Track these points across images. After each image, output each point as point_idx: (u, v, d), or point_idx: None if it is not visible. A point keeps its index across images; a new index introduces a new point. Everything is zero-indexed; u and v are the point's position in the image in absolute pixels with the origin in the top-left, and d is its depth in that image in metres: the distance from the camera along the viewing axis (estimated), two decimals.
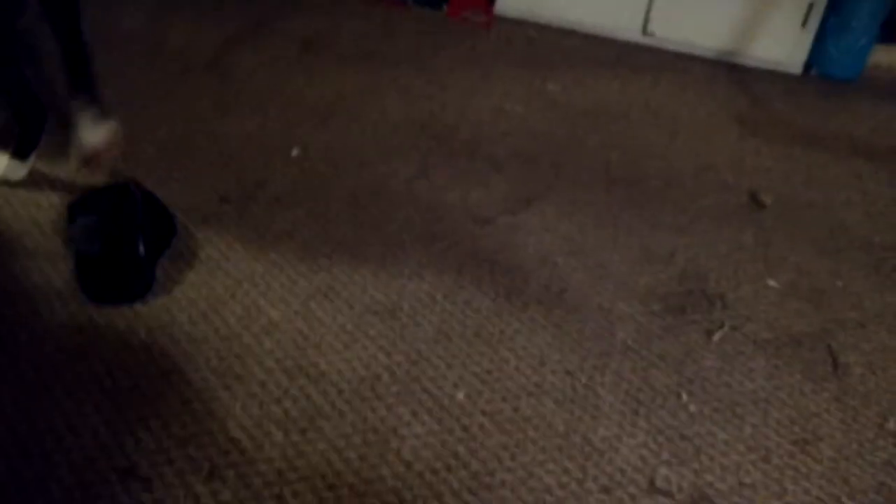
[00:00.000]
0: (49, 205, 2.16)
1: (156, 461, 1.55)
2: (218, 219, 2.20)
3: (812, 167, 2.76)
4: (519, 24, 3.48)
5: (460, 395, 1.77)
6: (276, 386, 1.75)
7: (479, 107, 2.89)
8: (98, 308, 1.87)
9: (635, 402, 1.80)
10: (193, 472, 1.54)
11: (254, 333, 1.87)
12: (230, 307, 1.93)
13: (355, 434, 1.65)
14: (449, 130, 2.73)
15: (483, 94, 2.97)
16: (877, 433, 1.80)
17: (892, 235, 2.47)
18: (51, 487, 1.48)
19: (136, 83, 2.72)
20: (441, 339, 1.90)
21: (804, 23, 3.30)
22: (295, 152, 2.51)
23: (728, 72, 3.35)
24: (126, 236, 1.96)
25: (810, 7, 3.26)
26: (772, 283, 2.22)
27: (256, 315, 1.92)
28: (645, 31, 3.48)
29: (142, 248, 1.94)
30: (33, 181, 2.25)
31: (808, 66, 3.39)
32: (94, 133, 2.18)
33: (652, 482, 1.63)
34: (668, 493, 1.61)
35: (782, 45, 3.38)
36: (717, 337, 2.01)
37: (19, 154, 2.24)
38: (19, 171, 2.25)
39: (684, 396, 1.84)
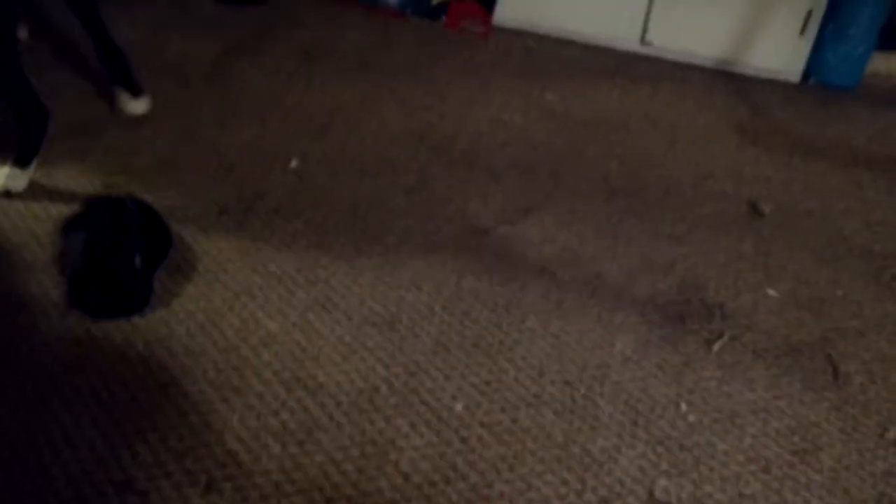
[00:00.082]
0: (47, 216, 2.16)
1: (153, 474, 1.55)
2: (216, 230, 2.20)
3: (811, 176, 2.76)
4: (517, 35, 3.49)
5: (459, 407, 1.76)
6: (274, 398, 1.74)
7: (477, 117, 2.89)
8: (96, 321, 1.87)
9: (634, 413, 1.80)
10: (191, 485, 1.53)
11: (252, 345, 1.86)
12: (228, 319, 1.93)
13: (353, 446, 1.65)
14: (447, 141, 2.73)
15: (481, 105, 2.97)
16: (877, 443, 1.79)
17: (892, 244, 2.47)
18: (48, 500, 1.48)
19: None
20: (440, 351, 1.90)
21: (802, 31, 3.30)
22: (294, 163, 2.51)
23: (727, 81, 3.36)
24: (122, 249, 1.95)
25: (808, 15, 3.26)
26: (771, 292, 2.22)
27: (254, 327, 1.91)
28: (643, 40, 3.49)
29: (138, 261, 1.94)
30: (31, 192, 2.25)
31: (806, 74, 3.40)
32: (132, 106, 2.59)
33: (651, 493, 1.63)
34: None
35: (780, 53, 3.39)
36: (716, 346, 2.01)
37: (20, 161, 2.23)
38: (20, 180, 2.24)
39: (683, 406, 1.83)
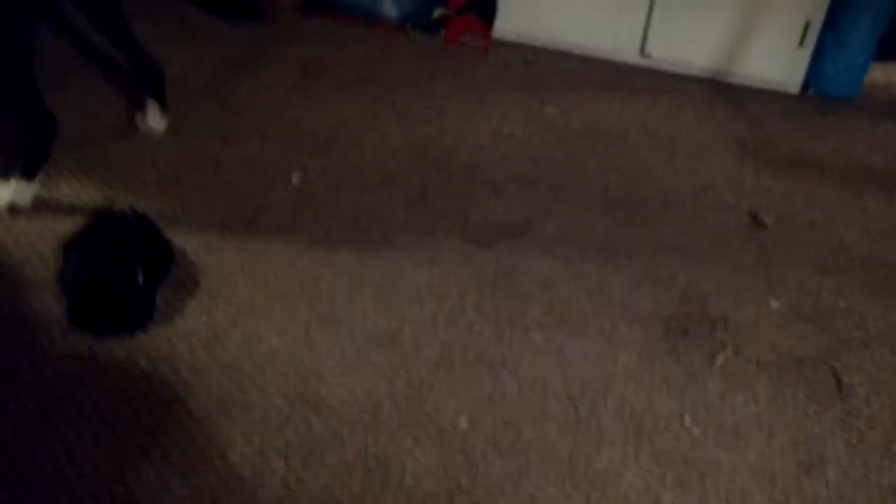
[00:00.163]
0: (49, 233, 2.17)
1: (156, 492, 1.55)
2: (218, 246, 2.20)
3: (812, 186, 2.76)
4: (517, 48, 3.50)
5: (462, 422, 1.76)
6: (278, 414, 1.74)
7: (477, 130, 2.90)
8: (99, 338, 1.87)
9: (638, 427, 1.80)
10: (194, 503, 1.53)
11: (255, 362, 1.86)
12: (231, 335, 1.93)
13: (357, 463, 1.65)
14: (448, 154, 2.74)
15: (481, 118, 2.98)
16: (883, 455, 1.79)
17: (894, 253, 2.47)
18: None
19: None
20: (442, 366, 1.90)
21: (801, 42, 3.31)
22: (295, 178, 2.52)
23: (726, 92, 3.36)
24: (124, 265, 1.95)
25: (806, 26, 3.27)
26: (774, 303, 2.22)
27: (257, 343, 1.91)
28: (643, 52, 3.49)
29: (141, 277, 1.94)
30: (33, 209, 2.25)
31: (805, 85, 3.40)
32: (157, 121, 2.63)
33: None
34: None
35: (779, 64, 3.39)
36: (719, 359, 2.01)
37: (26, 172, 2.24)
38: (26, 194, 2.24)
39: (688, 420, 1.83)
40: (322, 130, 2.79)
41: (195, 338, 1.91)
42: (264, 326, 1.96)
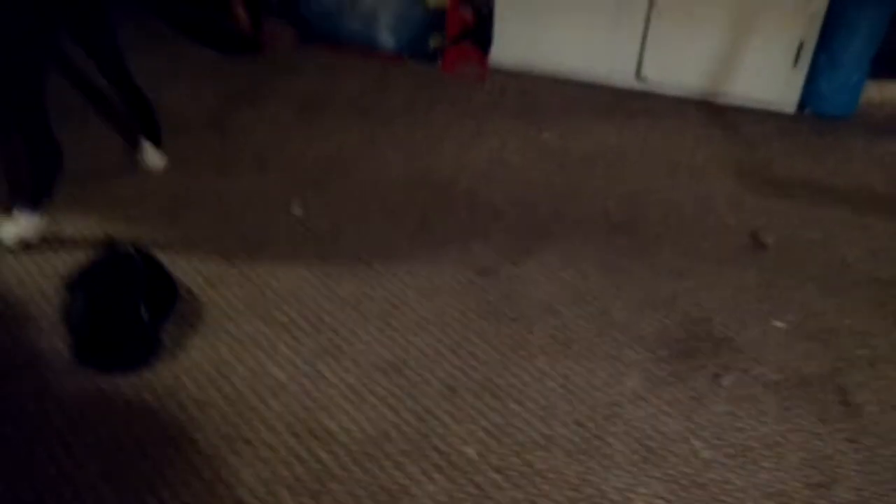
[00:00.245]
0: (53, 271, 2.17)
1: None
2: (222, 280, 2.21)
3: (811, 205, 2.77)
4: (513, 75, 3.53)
5: (470, 451, 1.75)
6: (285, 448, 1.73)
7: (476, 158, 2.91)
8: (104, 375, 1.87)
9: (647, 451, 1.79)
10: None
11: (261, 396, 1.86)
12: (236, 369, 1.92)
13: (365, 495, 1.64)
14: (447, 182, 2.75)
15: (480, 146, 2.99)
16: (894, 474, 1.78)
17: None
18: None
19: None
20: (448, 394, 1.89)
21: (795, 62, 3.34)
22: (296, 210, 2.53)
23: (723, 114, 3.38)
24: (128, 302, 1.96)
25: (800, 47, 3.30)
26: (778, 323, 2.21)
27: (263, 377, 1.91)
28: (638, 76, 3.52)
29: (145, 314, 1.94)
30: (37, 246, 2.26)
31: (801, 105, 3.42)
32: (154, 160, 2.64)
33: None
34: None
35: (775, 85, 3.42)
36: (725, 381, 2.00)
37: (32, 203, 2.25)
38: (32, 227, 2.26)
39: (696, 443, 1.82)
40: (322, 161, 2.80)
41: (200, 372, 1.90)
42: (269, 360, 1.96)
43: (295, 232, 2.44)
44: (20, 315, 2.03)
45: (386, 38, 3.62)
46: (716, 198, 2.78)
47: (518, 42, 3.55)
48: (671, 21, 3.37)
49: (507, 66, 3.59)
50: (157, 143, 2.66)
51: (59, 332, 1.98)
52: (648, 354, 2.07)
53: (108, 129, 2.84)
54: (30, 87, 2.14)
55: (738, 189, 2.84)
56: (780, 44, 3.33)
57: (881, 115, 3.42)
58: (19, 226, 2.25)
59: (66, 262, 2.20)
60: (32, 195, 2.26)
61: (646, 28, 3.41)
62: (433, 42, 3.57)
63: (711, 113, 3.38)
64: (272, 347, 2.00)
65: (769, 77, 3.40)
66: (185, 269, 2.23)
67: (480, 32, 3.51)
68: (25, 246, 2.24)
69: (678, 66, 3.46)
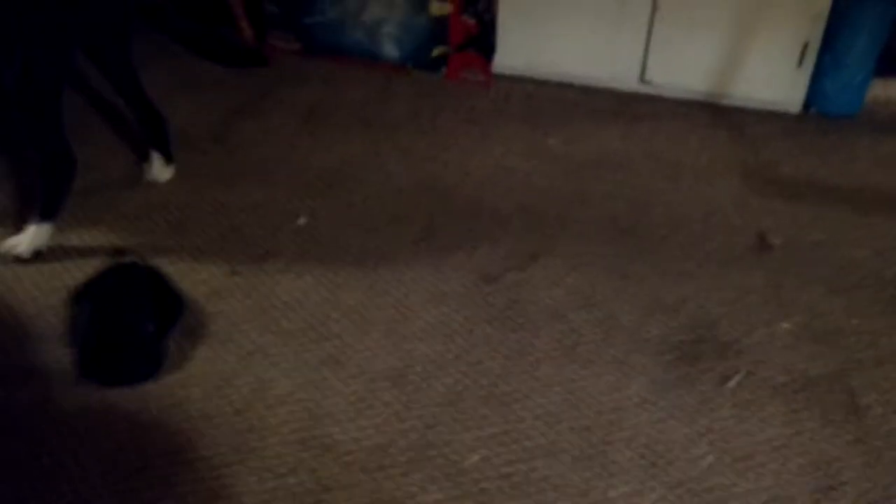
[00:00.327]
0: (59, 284, 2.19)
1: None
2: (228, 291, 2.22)
3: (817, 205, 2.76)
4: (517, 82, 3.53)
5: (475, 459, 1.75)
6: (291, 457, 1.74)
7: (481, 165, 2.92)
8: (110, 388, 1.88)
9: (653, 456, 1.78)
10: None
11: (267, 405, 1.87)
12: (242, 380, 1.94)
13: (371, 503, 1.64)
14: (452, 190, 2.76)
15: (484, 152, 3.00)
16: None
17: None
18: None
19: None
20: (454, 402, 1.90)
21: (800, 62, 3.33)
22: (302, 220, 2.54)
23: (727, 115, 3.37)
24: (134, 315, 1.97)
25: (805, 47, 3.29)
26: (785, 325, 2.20)
27: (268, 386, 1.92)
28: (642, 79, 3.51)
29: (150, 326, 1.96)
30: (42, 260, 2.28)
31: (806, 104, 3.41)
32: (162, 172, 2.66)
33: None
34: None
35: (779, 85, 3.40)
36: (732, 384, 1.99)
37: (45, 213, 2.28)
38: (45, 237, 2.28)
39: (702, 447, 1.81)
40: (327, 172, 2.81)
41: (206, 384, 1.92)
42: (275, 370, 1.97)
43: (300, 241, 2.45)
44: (26, 327, 2.05)
45: (389, 47, 3.63)
46: (721, 199, 2.77)
47: (521, 48, 3.55)
48: (674, 24, 3.36)
49: (510, 73, 3.59)
50: (168, 156, 2.68)
51: (65, 345, 1.99)
52: (655, 358, 2.07)
53: (113, 141, 2.86)
54: (49, 102, 2.18)
55: (744, 190, 2.84)
56: (783, 44, 3.31)
57: (886, 114, 3.40)
58: (33, 237, 2.28)
59: (72, 275, 2.22)
60: (46, 206, 2.29)
61: (649, 31, 3.40)
62: (436, 51, 3.58)
63: (716, 114, 3.37)
64: (278, 356, 2.01)
65: (773, 77, 3.39)
66: (190, 280, 2.24)
67: (483, 40, 3.51)
68: (36, 256, 2.26)
69: (682, 69, 3.45)
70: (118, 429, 1.78)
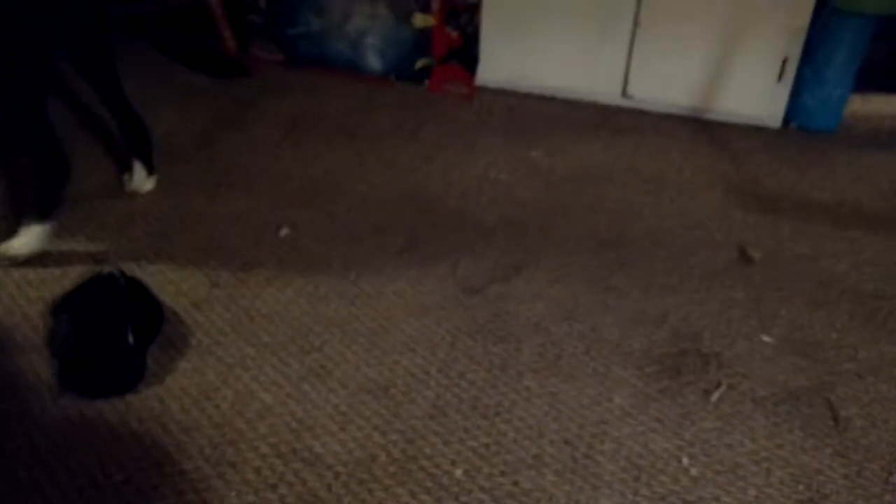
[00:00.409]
0: (38, 296, 2.16)
1: None
2: (209, 303, 2.20)
3: (798, 220, 2.78)
4: (500, 94, 3.54)
5: (458, 472, 1.74)
6: (272, 471, 1.72)
7: (464, 177, 2.92)
8: (89, 401, 1.85)
9: (636, 469, 1.78)
10: None
11: (247, 419, 1.85)
12: (223, 393, 1.92)
13: None
14: (435, 201, 2.75)
15: (468, 164, 3.00)
16: (882, 488, 1.78)
17: (883, 283, 2.47)
18: None
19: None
20: (437, 415, 1.89)
21: (779, 77, 3.36)
22: (284, 231, 2.53)
23: (709, 129, 3.40)
24: (114, 326, 1.95)
25: (784, 62, 3.32)
26: (766, 338, 2.21)
27: (249, 400, 1.90)
28: (624, 93, 3.54)
29: (131, 338, 1.93)
30: (23, 272, 2.25)
31: (786, 119, 3.45)
32: (143, 183, 2.64)
33: None
34: None
35: (760, 100, 3.44)
36: (714, 397, 2.00)
37: (41, 214, 2.28)
38: (42, 238, 2.29)
39: (685, 460, 1.81)
40: (310, 183, 2.80)
41: (187, 397, 1.89)
42: (256, 383, 1.95)
43: (282, 252, 2.43)
44: (4, 339, 2.02)
45: (373, 59, 3.64)
46: (703, 213, 2.79)
47: (504, 61, 3.57)
48: (655, 40, 3.39)
49: (493, 86, 3.61)
50: (151, 166, 2.66)
51: (44, 357, 1.97)
52: (637, 371, 2.07)
53: (95, 151, 2.84)
54: (33, 105, 2.17)
55: (726, 204, 2.85)
56: (764, 59, 3.35)
57: (865, 129, 3.45)
58: (29, 238, 2.27)
59: (52, 288, 2.19)
60: (41, 206, 2.28)
61: (631, 47, 3.43)
62: (420, 63, 3.59)
63: (698, 129, 3.40)
64: (258, 370, 1.99)
65: (754, 92, 3.43)
66: (171, 291, 2.22)
67: (467, 52, 3.53)
68: (35, 257, 2.28)
69: (663, 84, 3.48)
70: (97, 442, 1.76)
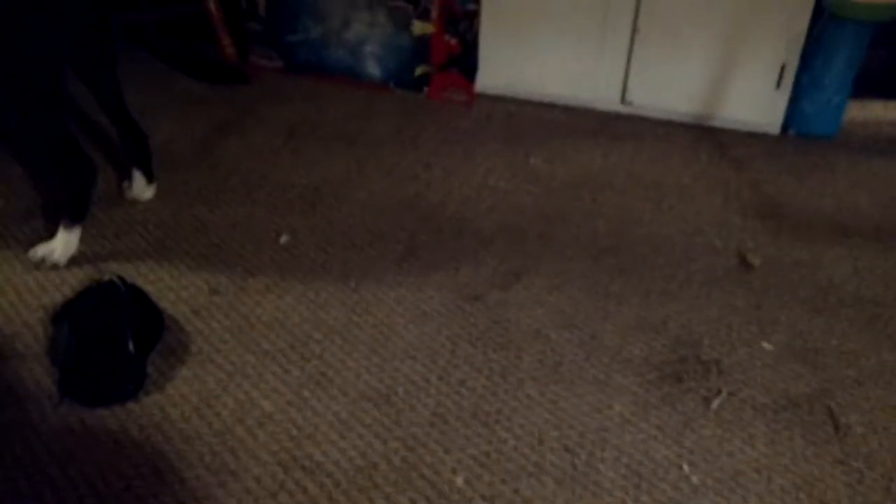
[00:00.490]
0: (38, 304, 2.16)
1: None
2: (209, 310, 2.20)
3: (797, 226, 2.79)
4: (499, 101, 3.55)
5: (459, 480, 1.74)
6: (272, 480, 1.72)
7: (463, 184, 2.92)
8: (89, 409, 1.85)
9: (637, 477, 1.78)
10: None
11: (247, 426, 1.84)
12: (223, 400, 1.91)
13: None
14: (435, 209, 2.76)
15: (467, 171, 3.00)
16: (884, 495, 1.77)
17: (882, 290, 2.48)
18: None
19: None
20: (437, 423, 1.89)
21: (778, 84, 3.37)
22: (283, 239, 2.53)
23: (708, 136, 3.41)
24: (114, 334, 1.95)
25: (783, 68, 3.33)
26: (766, 345, 2.22)
27: (249, 407, 1.90)
28: (623, 100, 3.55)
29: (131, 346, 1.93)
30: (23, 280, 2.25)
31: (785, 126, 3.45)
32: (143, 191, 2.65)
33: None
34: None
35: (759, 107, 3.45)
36: (714, 404, 2.00)
37: (73, 218, 2.31)
38: (74, 242, 2.33)
39: (686, 468, 1.81)
40: (309, 190, 2.81)
41: (187, 405, 1.89)
42: (256, 390, 1.95)
43: (281, 260, 2.43)
44: (5, 347, 2.02)
45: (372, 66, 3.64)
46: (703, 220, 2.79)
47: (503, 68, 3.58)
48: (654, 46, 3.40)
49: (492, 93, 3.61)
50: (150, 175, 2.66)
51: (44, 365, 1.96)
52: (638, 378, 2.07)
53: (93, 159, 2.83)
54: (52, 109, 2.19)
55: (725, 211, 2.86)
56: (762, 66, 3.36)
57: (864, 135, 3.45)
58: (66, 242, 2.31)
59: (52, 296, 2.19)
60: (72, 210, 2.31)
61: (629, 53, 3.44)
62: (419, 70, 3.59)
63: (697, 135, 3.40)
64: (259, 377, 1.99)
65: (753, 99, 3.44)
66: (171, 299, 2.22)
67: (466, 60, 3.53)
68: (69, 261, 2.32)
69: (662, 91, 3.49)
70: (97, 450, 1.75)
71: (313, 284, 2.33)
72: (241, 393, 1.94)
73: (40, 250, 2.31)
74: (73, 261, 2.33)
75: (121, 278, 2.12)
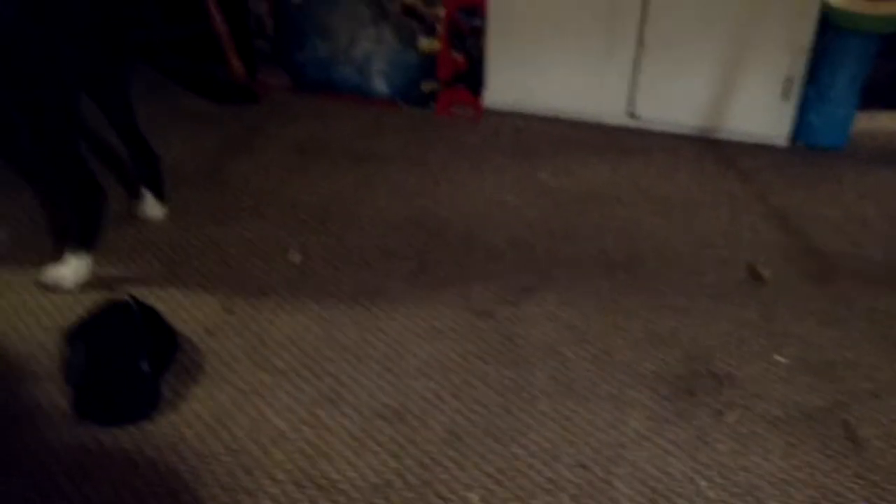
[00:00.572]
0: (52, 325, 2.17)
1: None
2: (222, 329, 2.20)
3: (806, 237, 2.79)
4: (506, 116, 3.56)
5: (474, 498, 1.74)
6: (287, 498, 1.72)
7: (472, 199, 2.93)
8: (104, 429, 1.86)
9: (652, 493, 1.77)
10: None
11: (262, 445, 1.85)
12: (237, 419, 1.92)
13: None
14: (444, 224, 2.76)
15: (475, 187, 3.01)
16: None
17: (894, 301, 2.47)
18: None
19: None
20: (451, 440, 1.88)
21: (785, 96, 3.37)
22: (294, 256, 2.53)
23: (716, 148, 3.41)
24: (128, 354, 1.95)
25: (790, 81, 3.34)
26: (779, 358, 2.21)
27: (264, 426, 1.90)
28: (631, 114, 3.55)
29: (145, 365, 1.94)
30: (37, 300, 2.26)
31: (793, 138, 3.45)
32: (154, 210, 2.66)
33: None
34: None
35: (766, 118, 3.45)
36: (729, 418, 1.99)
37: (83, 244, 2.31)
38: (85, 268, 2.33)
39: (702, 483, 1.81)
40: (319, 208, 2.82)
41: (201, 424, 1.90)
42: (270, 409, 1.95)
43: (293, 278, 2.44)
44: (19, 368, 2.03)
45: (379, 83, 3.66)
46: (713, 232, 2.79)
47: (510, 84, 3.59)
48: (660, 60, 3.41)
49: (500, 108, 3.62)
50: (161, 194, 2.67)
51: (59, 385, 1.97)
52: (651, 393, 2.06)
53: (104, 178, 2.85)
54: (65, 134, 2.21)
55: (734, 223, 2.86)
56: (768, 78, 3.36)
57: (872, 146, 3.45)
58: (76, 269, 2.31)
59: (66, 316, 2.20)
60: (82, 236, 2.31)
61: (635, 67, 3.45)
62: (426, 86, 3.61)
63: (705, 148, 3.41)
64: (272, 396, 1.99)
65: (760, 111, 3.44)
66: (184, 318, 2.23)
67: (472, 75, 3.55)
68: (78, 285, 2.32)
69: (669, 104, 3.50)
70: (113, 469, 1.76)
71: (325, 302, 2.34)
72: (256, 412, 1.94)
73: (50, 274, 2.31)
74: (87, 282, 2.34)
75: (134, 298, 2.13)
